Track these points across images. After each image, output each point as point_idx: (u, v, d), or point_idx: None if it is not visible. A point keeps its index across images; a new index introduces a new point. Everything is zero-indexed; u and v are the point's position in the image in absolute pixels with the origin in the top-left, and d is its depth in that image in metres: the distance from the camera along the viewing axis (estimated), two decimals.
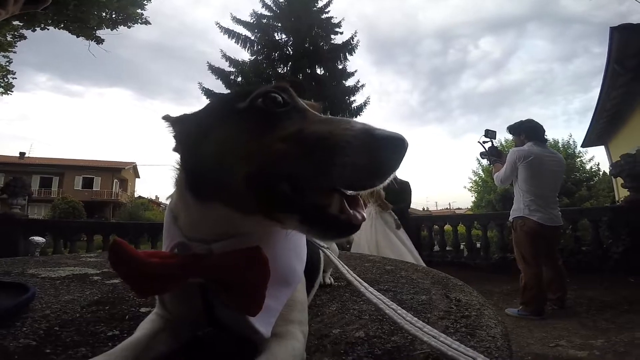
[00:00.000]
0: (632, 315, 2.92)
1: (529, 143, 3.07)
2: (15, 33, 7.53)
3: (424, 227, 7.09)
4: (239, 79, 11.26)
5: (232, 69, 11.36)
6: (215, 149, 0.41)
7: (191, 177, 0.44)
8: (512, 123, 3.31)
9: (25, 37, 7.76)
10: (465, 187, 20.38)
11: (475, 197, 19.56)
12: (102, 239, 5.23)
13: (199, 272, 0.41)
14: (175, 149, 0.47)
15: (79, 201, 19.44)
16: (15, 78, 8.62)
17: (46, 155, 29.35)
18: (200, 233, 0.43)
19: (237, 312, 0.41)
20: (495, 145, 3.48)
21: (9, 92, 8.52)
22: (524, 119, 3.27)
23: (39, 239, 4.54)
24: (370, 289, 0.51)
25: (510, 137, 3.54)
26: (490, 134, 3.40)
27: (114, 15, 7.07)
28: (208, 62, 11.13)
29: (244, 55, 11.86)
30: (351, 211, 0.37)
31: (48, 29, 6.87)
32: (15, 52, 8.03)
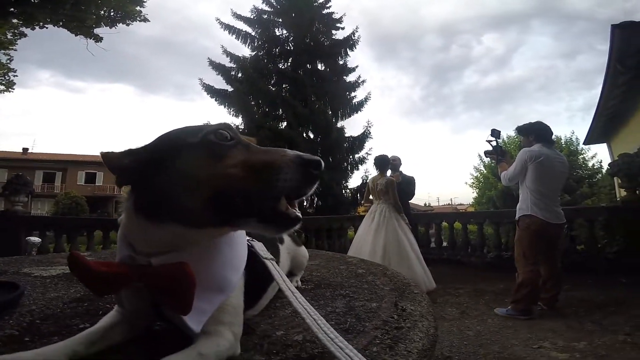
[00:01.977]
0: (618, 316, 2.96)
1: (538, 144, 3.15)
2: (15, 31, 7.56)
3: (421, 224, 7.14)
4: (240, 74, 11.26)
5: (233, 65, 11.34)
6: (174, 177, 0.49)
7: (144, 202, 0.51)
8: (522, 124, 3.42)
9: (25, 35, 7.80)
10: (466, 183, 20.34)
11: (477, 193, 19.52)
12: (102, 235, 5.33)
13: (140, 279, 0.50)
14: (120, 182, 0.53)
15: (82, 196, 19.65)
16: (17, 75, 8.68)
17: (49, 151, 29.55)
18: (145, 248, 0.52)
19: (175, 313, 0.50)
20: (500, 144, 3.58)
21: (10, 89, 8.59)
22: (533, 121, 3.36)
23: (35, 239, 4.63)
24: (299, 297, 0.56)
25: (510, 135, 3.65)
26: (495, 133, 3.51)
27: (112, 13, 7.07)
28: (209, 58, 11.12)
29: (245, 51, 11.84)
30: (293, 209, 0.49)
31: (47, 27, 6.91)
32: (15, 50, 8.08)
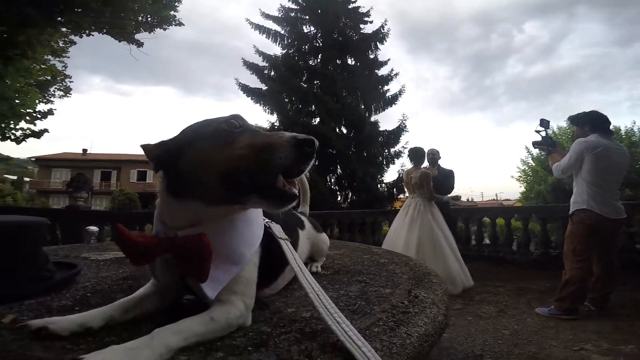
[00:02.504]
0: None
1: (595, 134, 2.94)
2: (65, 39, 8.21)
3: (460, 220, 6.85)
4: (272, 73, 11.49)
5: (266, 64, 11.59)
6: (194, 160, 0.57)
7: (172, 183, 0.60)
8: (575, 114, 3.18)
9: (75, 43, 8.44)
10: (512, 176, 19.15)
11: (525, 188, 18.31)
12: (152, 228, 5.77)
13: (168, 249, 0.58)
14: (156, 168, 0.62)
15: (134, 193, 21.29)
16: (72, 81, 9.41)
17: (105, 151, 32.35)
18: (174, 223, 0.60)
19: (194, 279, 0.57)
20: (550, 134, 3.38)
21: (67, 94, 9.28)
22: (587, 110, 3.12)
23: (93, 228, 5.15)
24: (310, 278, 0.60)
25: (560, 126, 3.42)
26: (544, 123, 3.34)
27: (149, 19, 7.52)
28: (242, 58, 11.45)
29: (276, 49, 12.02)
30: (290, 187, 0.55)
31: (93, 35, 7.42)
32: (68, 57, 8.75)
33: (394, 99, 11.86)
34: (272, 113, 11.47)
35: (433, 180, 4.29)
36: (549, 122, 3.37)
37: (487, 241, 6.49)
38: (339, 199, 11.47)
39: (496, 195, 43.16)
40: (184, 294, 0.69)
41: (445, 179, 4.85)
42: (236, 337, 0.56)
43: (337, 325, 0.50)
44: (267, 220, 0.74)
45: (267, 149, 0.54)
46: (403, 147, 11.50)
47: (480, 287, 3.96)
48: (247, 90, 11.48)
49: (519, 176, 18.27)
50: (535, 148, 3.53)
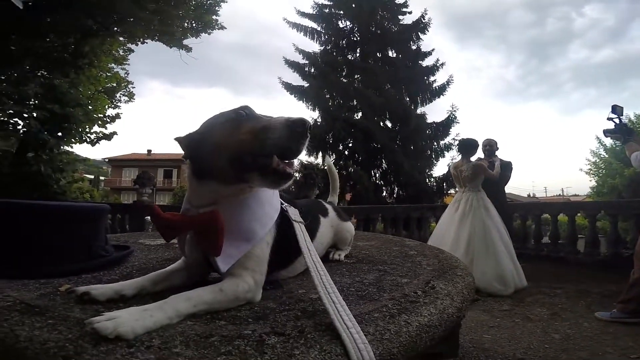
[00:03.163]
0: None
1: None
2: (124, 47, 9.03)
3: (516, 217, 6.34)
4: (312, 70, 11.61)
5: (306, 61, 11.75)
6: (210, 146, 0.66)
7: (195, 168, 0.70)
8: None
9: (133, 51, 9.30)
10: (581, 169, 17.24)
11: (596, 182, 16.41)
12: None
13: (190, 225, 0.68)
14: (185, 156, 0.72)
15: None
16: (134, 87, 10.39)
17: (167, 151, 35.22)
18: (198, 202, 0.69)
19: (209, 253, 0.65)
20: (624, 121, 3.06)
21: (132, 99, 10.26)
22: None
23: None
24: (315, 259, 0.66)
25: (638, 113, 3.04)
26: (618, 110, 3.02)
27: (193, 25, 8.01)
28: (284, 57, 11.76)
29: (314, 46, 12.16)
30: (284, 167, 0.61)
31: (147, 42, 8.10)
32: (129, 64, 9.65)
33: (441, 90, 11.36)
34: (314, 109, 11.64)
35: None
36: (622, 108, 3.02)
37: (546, 240, 5.95)
38: (384, 194, 11.30)
39: (562, 190, 39.13)
40: (209, 271, 0.76)
41: (502, 169, 4.49)
42: (241, 310, 0.63)
43: (332, 305, 0.54)
44: (285, 204, 0.80)
45: (262, 131, 0.60)
46: (453, 139, 11.01)
47: (534, 288, 3.67)
48: (290, 88, 11.76)
49: (589, 169, 16.41)
50: (607, 137, 3.19)
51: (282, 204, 0.79)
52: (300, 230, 0.74)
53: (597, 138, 15.40)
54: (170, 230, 0.69)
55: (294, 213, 0.79)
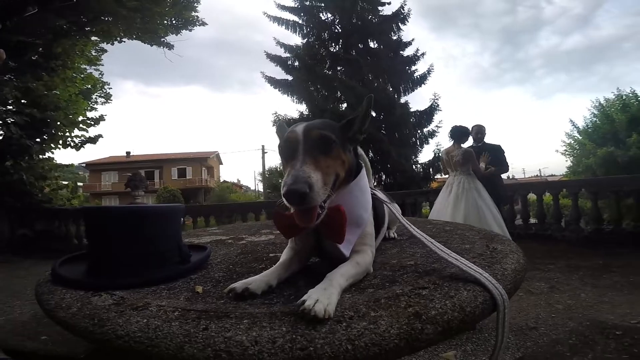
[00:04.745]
0: None
1: None
2: (97, 47, 8.69)
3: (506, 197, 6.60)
4: (296, 63, 11.60)
5: (288, 55, 11.71)
6: None
7: None
8: None
9: (106, 51, 8.94)
10: (557, 151, 18.01)
11: (571, 162, 17.19)
12: (204, 220, 6.22)
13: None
14: None
15: (177, 189, 22.58)
16: (111, 88, 9.99)
17: (147, 152, 34.32)
18: None
19: (333, 242, 0.73)
20: None
21: (109, 100, 9.84)
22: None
23: None
24: (419, 231, 0.76)
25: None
26: None
27: (174, 21, 7.85)
28: (265, 51, 11.67)
29: (296, 39, 12.10)
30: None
31: (124, 41, 7.83)
32: (102, 65, 9.24)
33: (422, 79, 11.60)
34: (300, 102, 11.66)
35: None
36: None
37: (532, 220, 6.26)
38: (372, 183, 11.50)
39: (539, 171, 40.75)
40: (317, 256, 0.86)
41: (492, 154, 4.64)
42: (372, 279, 0.71)
43: (456, 260, 0.65)
44: (371, 187, 0.89)
45: None
46: (437, 126, 11.33)
47: (529, 265, 3.86)
48: (273, 82, 11.70)
49: (565, 150, 17.16)
50: None
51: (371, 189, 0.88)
52: (396, 210, 0.83)
53: (571, 120, 16.14)
54: (294, 228, 0.72)
55: (382, 196, 0.91)
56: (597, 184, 5.86)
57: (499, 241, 0.98)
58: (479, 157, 4.22)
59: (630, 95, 13.73)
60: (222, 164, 37.58)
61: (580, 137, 15.62)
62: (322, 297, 0.55)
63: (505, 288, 0.63)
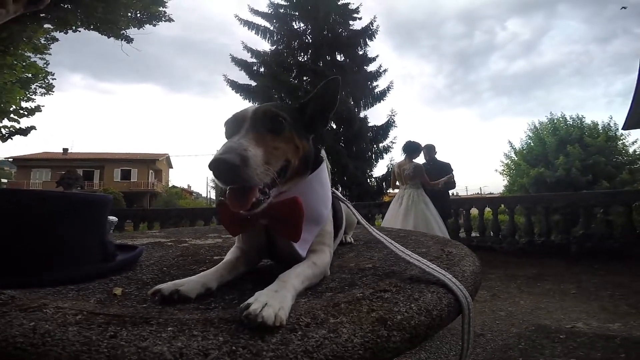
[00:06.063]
0: None
1: None
2: (48, 36, 7.94)
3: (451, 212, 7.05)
4: (262, 69, 11.49)
5: (255, 60, 11.59)
6: None
7: None
8: None
9: (57, 40, 8.19)
10: (496, 170, 19.69)
11: (508, 181, 18.87)
12: (147, 225, 5.74)
13: (265, 215, 0.62)
14: None
15: (119, 192, 20.82)
16: (55, 79, 9.12)
17: (87, 150, 31.41)
18: None
19: (287, 239, 0.65)
20: None
21: (50, 92, 9.00)
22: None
23: (113, 218, 5.09)
24: (379, 232, 0.72)
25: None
26: None
27: (138, 15, 7.39)
28: (231, 55, 11.45)
29: (265, 45, 12.10)
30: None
31: (80, 31, 7.19)
32: (50, 54, 8.48)
33: (382, 95, 12.07)
34: None
35: (430, 172, 4.45)
36: None
37: (474, 233, 6.72)
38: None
39: (480, 189, 44.28)
40: (266, 257, 0.78)
41: (442, 171, 4.93)
42: (330, 282, 0.64)
43: (419, 262, 0.62)
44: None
45: None
46: (392, 142, 11.78)
47: None
48: (236, 86, 11.45)
49: (503, 170, 18.81)
50: None
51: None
52: (354, 210, 0.77)
53: (509, 142, 17.76)
54: (240, 222, 0.66)
55: (339, 194, 0.84)
56: (530, 200, 6.45)
57: (452, 245, 0.99)
58: (430, 175, 4.43)
59: (561, 119, 15.43)
60: (172, 167, 35.60)
61: (516, 158, 17.23)
62: (273, 301, 0.46)
63: (468, 289, 0.61)
